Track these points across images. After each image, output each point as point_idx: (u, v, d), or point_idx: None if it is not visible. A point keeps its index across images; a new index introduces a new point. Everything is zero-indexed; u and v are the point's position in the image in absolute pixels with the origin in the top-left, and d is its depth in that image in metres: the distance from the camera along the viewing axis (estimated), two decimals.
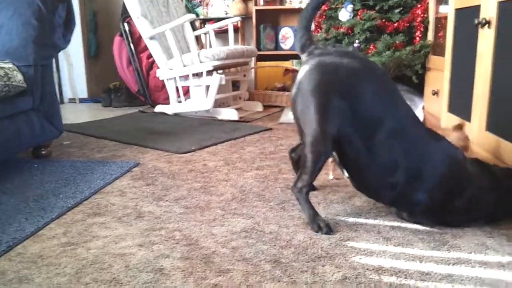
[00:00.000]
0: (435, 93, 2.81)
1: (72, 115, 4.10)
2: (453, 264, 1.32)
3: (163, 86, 4.06)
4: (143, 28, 3.67)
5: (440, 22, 2.99)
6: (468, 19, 2.14)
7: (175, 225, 1.62)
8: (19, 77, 2.27)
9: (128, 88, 4.40)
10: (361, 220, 1.63)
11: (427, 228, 1.55)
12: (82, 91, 4.88)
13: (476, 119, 2.04)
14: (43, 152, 2.58)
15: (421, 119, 3.04)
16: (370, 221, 1.62)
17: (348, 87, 1.50)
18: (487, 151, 1.94)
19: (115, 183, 2.12)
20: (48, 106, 2.50)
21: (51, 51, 2.49)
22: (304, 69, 1.56)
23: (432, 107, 2.92)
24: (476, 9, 2.04)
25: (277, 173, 2.20)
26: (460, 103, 2.26)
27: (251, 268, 1.31)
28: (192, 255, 1.40)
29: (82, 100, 4.87)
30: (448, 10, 2.62)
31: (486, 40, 1.94)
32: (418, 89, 3.19)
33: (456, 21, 2.32)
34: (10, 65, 2.26)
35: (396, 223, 1.59)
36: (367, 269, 1.30)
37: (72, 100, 4.90)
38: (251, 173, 2.19)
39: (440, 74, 2.78)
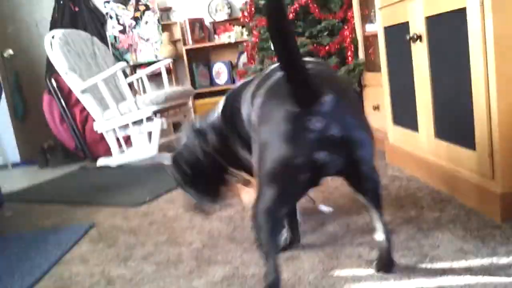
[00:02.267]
0: (376, 108, 2.91)
1: (6, 182, 3.83)
2: (440, 275, 1.33)
3: (101, 138, 3.91)
4: (73, 82, 3.54)
5: (368, 40, 3.12)
6: (398, 35, 2.24)
7: (151, 285, 1.53)
8: None
9: (64, 145, 4.21)
10: (339, 247, 1.62)
11: (404, 244, 1.56)
12: (13, 155, 4.61)
13: (424, 128, 2.12)
14: None
15: None
16: (348, 246, 1.61)
17: None
18: (440, 157, 2.01)
19: (74, 250, 1.98)
20: None
21: None
22: None
23: (375, 121, 3.01)
24: (404, 25, 2.14)
25: (241, 212, 2.15)
26: (405, 115, 2.34)
27: None
28: None
29: (14, 165, 4.59)
30: (377, 29, 2.74)
31: (420, 53, 2.04)
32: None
33: (387, 38, 2.42)
34: None
35: (374, 244, 1.59)
36: None
37: (3, 167, 4.60)
38: (215, 216, 2.13)
39: (377, 89, 2.89)
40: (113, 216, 2.37)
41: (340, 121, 1.13)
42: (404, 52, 2.20)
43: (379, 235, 1.37)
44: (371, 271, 1.41)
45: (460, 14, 1.66)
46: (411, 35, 2.05)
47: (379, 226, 1.36)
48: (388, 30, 2.39)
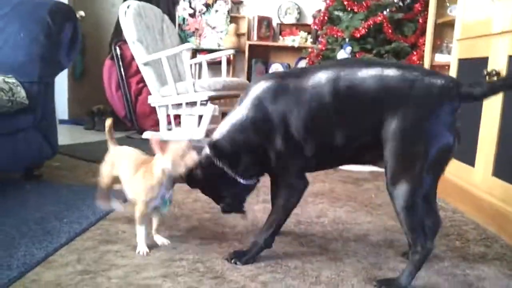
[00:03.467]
0: None
1: None
2: None
3: (150, 112, 4.01)
4: (139, 53, 3.64)
5: (435, 69, 3.11)
6: (473, 69, 2.24)
7: (196, 257, 1.57)
8: (22, 93, 2.19)
9: (114, 112, 4.32)
10: (382, 259, 1.63)
11: (449, 270, 1.56)
12: (63, 112, 4.75)
13: (481, 164, 2.10)
14: (35, 173, 2.48)
15: None
16: (391, 261, 1.62)
17: None
18: (493, 195, 2.00)
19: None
20: (47, 125, 2.43)
21: (55, 69, 2.44)
22: None
23: None
24: (483, 61, 2.14)
25: None
26: (462, 148, 2.32)
27: None
28: None
29: (62, 121, 4.73)
30: (447, 60, 2.73)
31: None
32: None
33: (460, 70, 2.42)
34: (14, 80, 2.18)
35: None
36: None
37: None
38: (258, 206, 2.16)
39: None
40: None
41: None
42: None
43: None
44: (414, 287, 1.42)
45: None
46: (489, 70, 2.04)
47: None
48: (463, 62, 2.38)
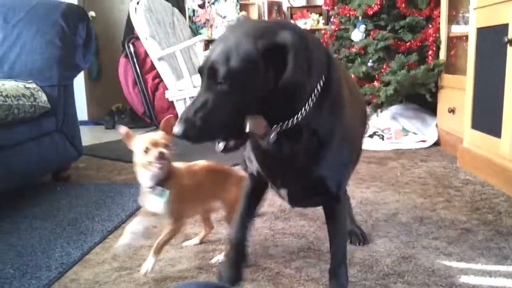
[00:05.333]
0: (452, 110, 2.85)
1: None
2: None
3: (169, 107, 4.03)
4: (152, 49, 3.65)
5: (452, 41, 3.05)
6: (493, 37, 2.19)
7: (228, 247, 1.58)
8: (43, 97, 2.22)
9: (132, 109, 4.36)
10: (413, 237, 1.62)
11: (483, 244, 1.54)
12: (82, 114, 4.80)
13: (508, 135, 2.06)
14: (63, 175, 2.52)
15: (435, 137, 3.08)
16: (423, 238, 1.61)
17: None
18: None
19: None
20: (70, 127, 2.46)
21: (74, 72, 2.46)
22: None
23: (448, 124, 2.95)
24: (503, 28, 2.09)
25: None
26: (487, 120, 2.29)
27: None
28: (258, 276, 1.37)
29: (82, 123, 4.77)
30: (464, 30, 2.68)
31: None
32: (429, 106, 3.25)
33: (478, 39, 2.37)
34: (34, 85, 2.21)
35: (450, 239, 1.59)
36: (440, 285, 1.29)
37: None
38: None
39: (455, 92, 2.83)
40: None
41: None
42: (498, 56, 2.14)
43: None
44: (449, 263, 1.41)
45: None
46: (510, 38, 2.00)
47: None
48: (482, 31, 2.33)
